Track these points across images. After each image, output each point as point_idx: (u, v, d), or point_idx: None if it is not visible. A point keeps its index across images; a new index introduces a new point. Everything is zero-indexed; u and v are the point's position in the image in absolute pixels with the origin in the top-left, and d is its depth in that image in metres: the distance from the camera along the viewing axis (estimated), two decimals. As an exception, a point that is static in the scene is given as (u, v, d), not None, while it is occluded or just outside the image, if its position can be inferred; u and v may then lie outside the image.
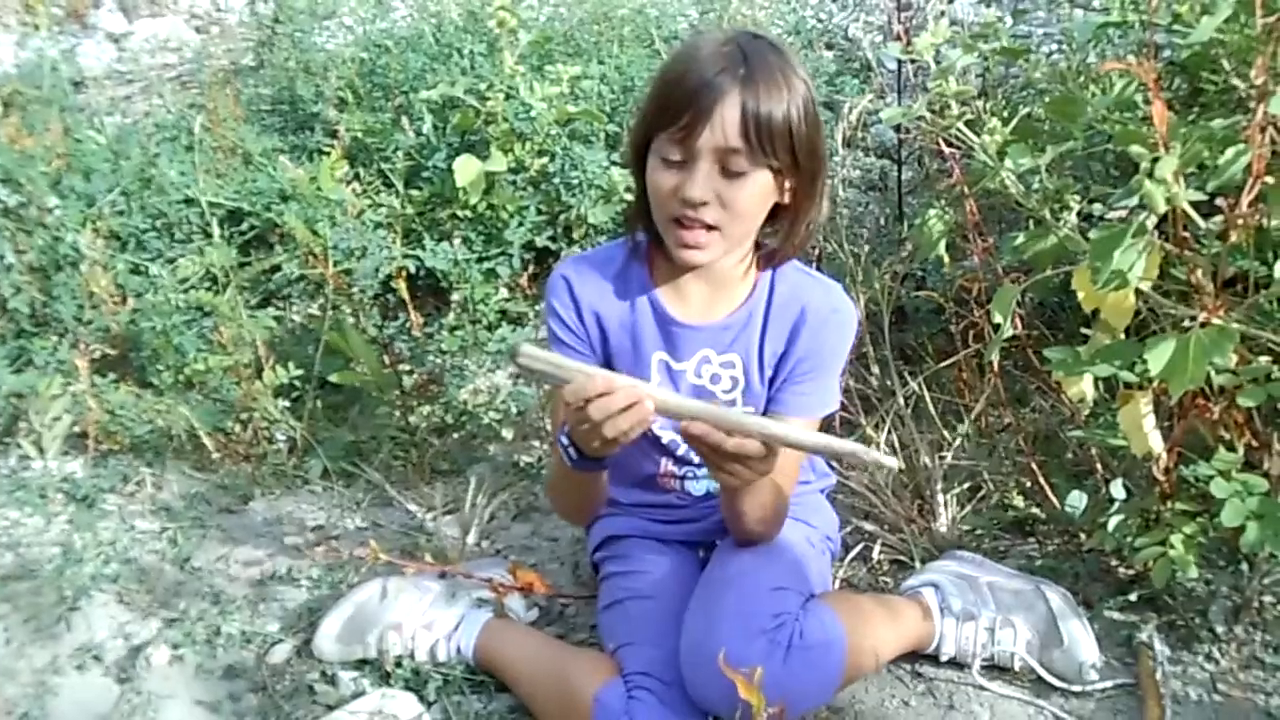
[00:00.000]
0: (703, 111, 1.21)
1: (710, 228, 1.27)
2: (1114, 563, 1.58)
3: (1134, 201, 1.27)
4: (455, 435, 2.17)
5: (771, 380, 1.43)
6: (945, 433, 1.86)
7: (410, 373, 2.20)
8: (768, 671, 1.19)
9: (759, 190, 1.27)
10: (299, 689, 1.49)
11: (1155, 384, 1.37)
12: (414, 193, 2.40)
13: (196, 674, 1.53)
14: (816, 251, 2.15)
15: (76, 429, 2.04)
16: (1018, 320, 1.68)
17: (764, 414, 1.41)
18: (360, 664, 1.52)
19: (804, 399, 1.40)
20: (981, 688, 1.42)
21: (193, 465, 2.04)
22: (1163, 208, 1.21)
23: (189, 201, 2.36)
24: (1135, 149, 1.23)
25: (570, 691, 1.33)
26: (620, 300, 1.42)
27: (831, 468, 1.69)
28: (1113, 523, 1.46)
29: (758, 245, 1.37)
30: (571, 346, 1.43)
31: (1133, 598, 1.49)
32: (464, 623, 1.51)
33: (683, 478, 1.51)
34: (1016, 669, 1.42)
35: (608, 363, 1.44)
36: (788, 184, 1.29)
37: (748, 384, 1.42)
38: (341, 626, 1.53)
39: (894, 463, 1.15)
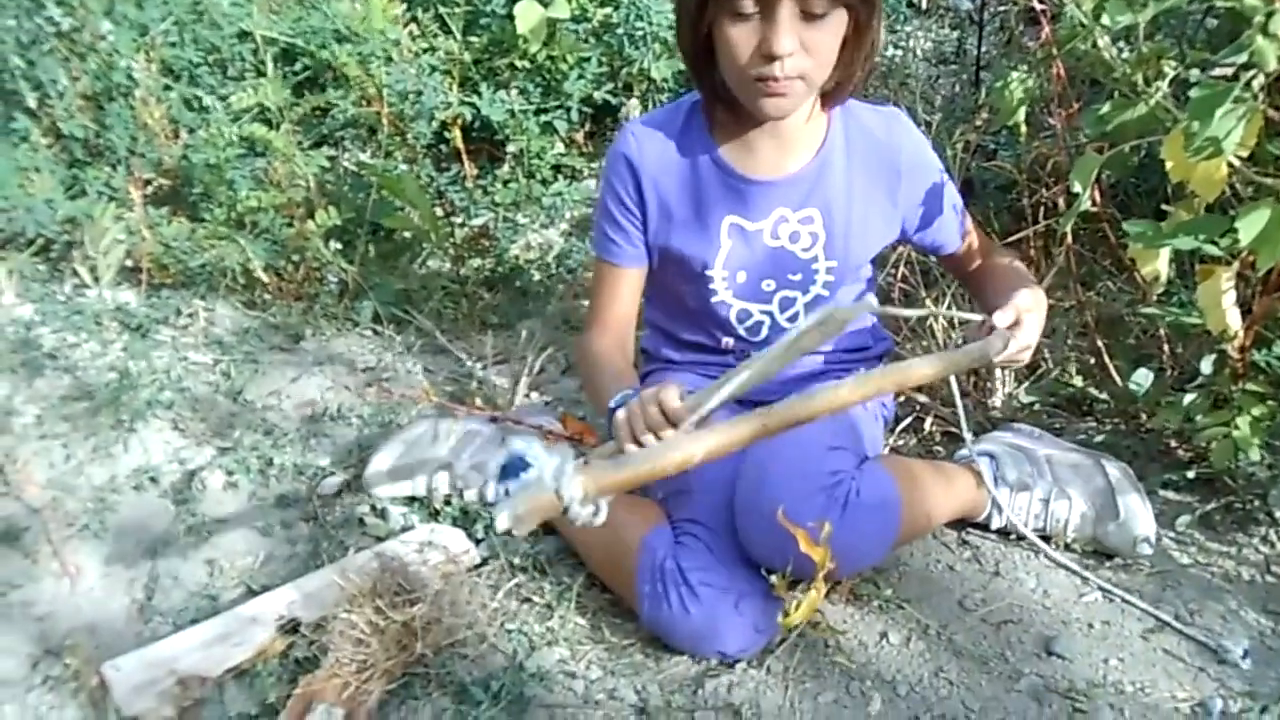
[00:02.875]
0: None
1: (793, 77, 1.18)
2: (1173, 443, 1.56)
3: (1241, 59, 1.20)
4: (506, 289, 2.16)
5: (913, 233, 1.43)
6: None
7: (462, 225, 2.18)
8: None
9: (839, 29, 1.19)
10: (349, 520, 1.52)
11: (1239, 259, 1.32)
12: (472, 39, 2.33)
13: (250, 500, 1.56)
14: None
15: (130, 262, 2.05)
16: (1095, 194, 1.62)
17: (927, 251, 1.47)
18: (409, 500, 1.54)
19: (948, 223, 1.43)
20: (1030, 554, 1.41)
21: (245, 302, 2.05)
22: (1273, 65, 1.14)
23: (242, 36, 2.30)
24: (1250, 1, 1.15)
25: (618, 535, 1.33)
26: (682, 166, 1.35)
27: (886, 335, 1.65)
28: (1189, 398, 1.42)
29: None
30: (622, 226, 1.38)
31: (1191, 474, 1.46)
32: (513, 466, 1.52)
33: (744, 352, 1.48)
34: (1069, 541, 1.41)
35: (668, 240, 1.38)
36: (853, 16, 1.21)
37: (829, 238, 1.36)
38: (392, 463, 1.54)
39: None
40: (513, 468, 1.51)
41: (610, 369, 1.33)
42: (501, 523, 0.93)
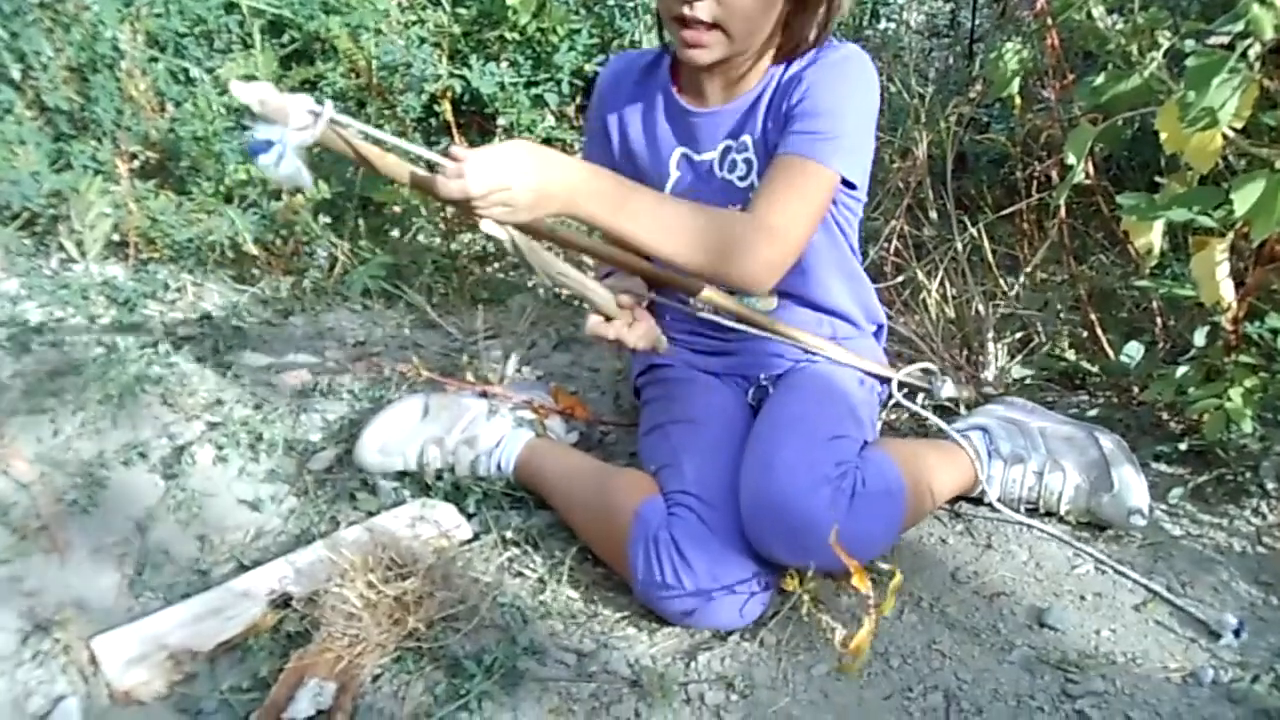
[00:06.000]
0: None
1: (712, 26, 1.25)
2: (1165, 416, 1.56)
3: (1237, 28, 1.19)
4: (496, 264, 2.14)
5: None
6: (1001, 282, 1.81)
7: (453, 198, 2.16)
8: (835, 520, 1.18)
9: None
10: (340, 495, 1.51)
11: (1234, 230, 1.32)
12: (461, 10, 2.31)
13: (240, 475, 1.55)
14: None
15: (117, 236, 2.03)
16: (1089, 166, 1.61)
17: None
18: (400, 475, 1.53)
19: (799, 137, 1.29)
20: (1022, 527, 1.41)
21: (233, 276, 2.03)
22: (1270, 34, 1.14)
23: (229, 8, 2.27)
24: (1248, -30, 1.15)
25: (611, 506, 1.33)
26: (641, 98, 1.45)
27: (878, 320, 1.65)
28: (1181, 370, 1.42)
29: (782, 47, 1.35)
30: (600, 146, 1.50)
31: (1183, 447, 1.47)
32: (505, 440, 1.51)
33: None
34: (1062, 513, 1.42)
35: (630, 161, 1.47)
36: None
37: (760, 167, 1.39)
38: (383, 438, 1.53)
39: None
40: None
41: None
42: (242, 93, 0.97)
